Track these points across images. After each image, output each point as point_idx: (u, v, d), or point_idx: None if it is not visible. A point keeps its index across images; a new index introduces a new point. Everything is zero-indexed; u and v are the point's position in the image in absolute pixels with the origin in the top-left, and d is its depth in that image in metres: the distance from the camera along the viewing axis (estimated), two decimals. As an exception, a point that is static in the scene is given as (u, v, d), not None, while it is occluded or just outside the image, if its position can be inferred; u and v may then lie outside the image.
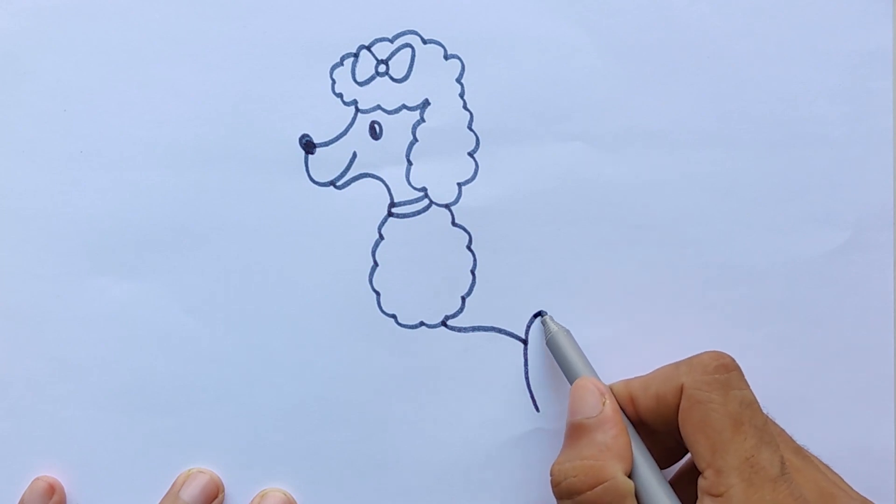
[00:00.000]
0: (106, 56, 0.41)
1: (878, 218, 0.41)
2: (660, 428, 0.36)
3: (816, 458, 0.36)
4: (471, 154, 0.41)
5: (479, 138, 0.41)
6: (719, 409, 0.33)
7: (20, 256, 0.41)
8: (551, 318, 0.40)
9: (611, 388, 0.37)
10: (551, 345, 0.40)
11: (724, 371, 0.34)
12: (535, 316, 0.41)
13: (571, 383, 0.38)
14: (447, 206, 0.41)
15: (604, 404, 0.36)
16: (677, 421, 0.34)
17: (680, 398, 0.34)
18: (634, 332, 0.41)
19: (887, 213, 0.41)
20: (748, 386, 0.34)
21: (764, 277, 0.41)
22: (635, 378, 0.37)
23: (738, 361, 0.34)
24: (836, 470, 0.37)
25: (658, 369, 0.36)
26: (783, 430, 0.37)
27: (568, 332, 0.40)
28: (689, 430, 0.33)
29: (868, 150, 0.41)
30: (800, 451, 0.36)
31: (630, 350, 0.41)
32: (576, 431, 0.36)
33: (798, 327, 0.41)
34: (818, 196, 0.41)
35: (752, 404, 0.33)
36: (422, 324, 0.41)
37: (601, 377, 0.40)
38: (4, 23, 0.42)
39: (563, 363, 0.39)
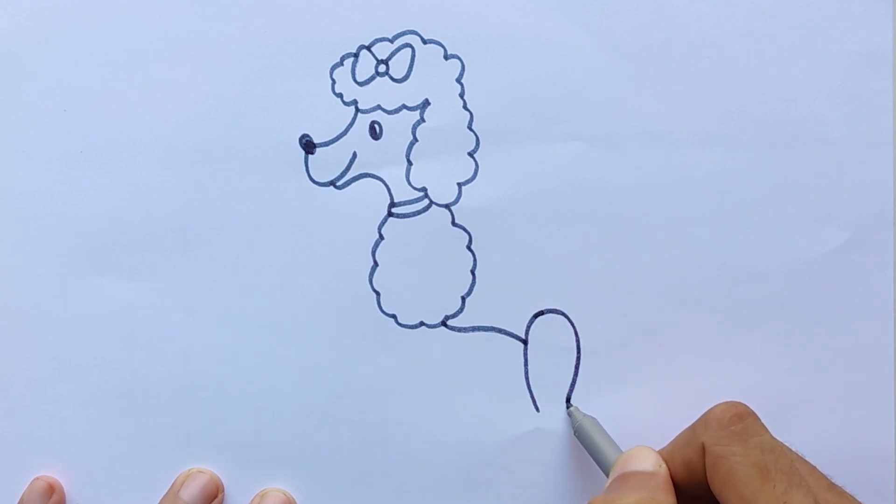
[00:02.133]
0: (106, 56, 0.41)
1: (878, 218, 0.41)
2: (698, 493, 0.35)
3: (850, 494, 0.36)
4: (471, 154, 0.41)
5: (479, 138, 0.41)
6: (742, 461, 0.32)
7: (20, 256, 0.41)
8: (577, 408, 0.40)
9: None
10: (580, 434, 0.39)
11: (740, 420, 0.33)
12: (536, 316, 0.41)
13: (606, 470, 0.38)
14: (447, 206, 0.41)
15: (660, 466, 0.35)
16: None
17: (704, 458, 0.33)
18: (634, 333, 0.41)
19: (887, 213, 0.41)
20: (767, 430, 0.33)
21: (764, 277, 0.41)
22: (659, 451, 0.36)
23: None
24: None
25: (677, 436, 0.36)
26: (814, 468, 0.36)
27: (595, 419, 0.40)
28: (718, 487, 0.33)
29: (868, 150, 0.41)
30: (833, 488, 0.35)
31: (630, 351, 0.41)
32: (626, 478, 0.35)
33: (798, 327, 0.41)
34: (818, 196, 0.41)
35: (774, 448, 0.32)
36: (422, 324, 0.41)
37: (600, 380, 0.41)
38: (4, 23, 0.42)
39: (596, 450, 0.39)
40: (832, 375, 0.41)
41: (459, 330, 0.41)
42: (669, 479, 0.35)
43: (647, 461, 0.36)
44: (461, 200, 0.41)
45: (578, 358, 0.41)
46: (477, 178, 0.41)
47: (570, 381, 0.41)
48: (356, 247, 0.41)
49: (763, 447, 0.32)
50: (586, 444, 0.39)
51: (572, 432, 0.40)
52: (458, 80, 0.41)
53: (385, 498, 0.41)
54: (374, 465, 0.41)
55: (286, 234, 0.41)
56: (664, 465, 0.35)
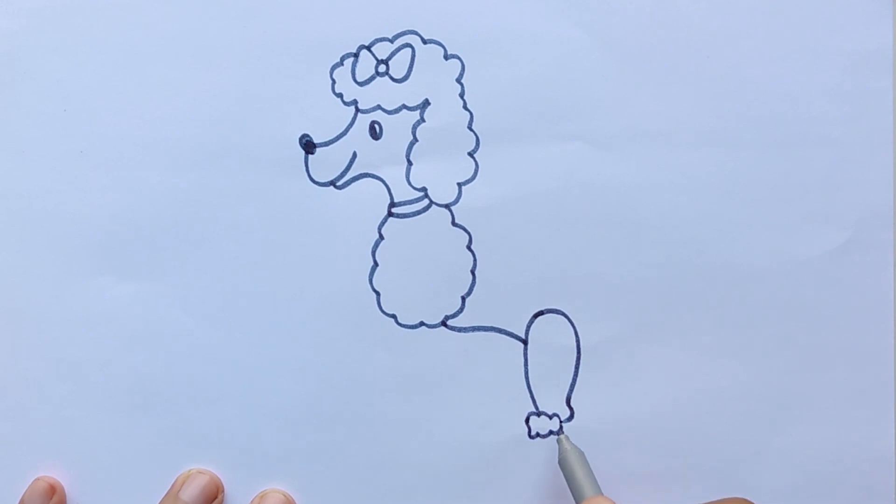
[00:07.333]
0: (106, 56, 0.41)
1: (878, 218, 0.41)
2: None
3: None
4: (471, 154, 0.41)
5: (479, 138, 0.41)
6: None
7: (20, 256, 0.41)
8: (567, 437, 0.40)
9: None
10: (563, 464, 0.39)
11: None
12: (536, 316, 0.41)
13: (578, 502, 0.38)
14: (447, 206, 0.41)
15: None
16: None
17: None
18: (634, 333, 0.41)
19: (887, 213, 0.41)
20: None
21: (764, 277, 0.41)
22: None
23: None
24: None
25: None
26: None
27: (581, 452, 0.39)
28: None
29: (868, 150, 0.41)
30: None
31: (630, 350, 0.41)
32: None
33: (798, 327, 0.41)
34: (818, 196, 0.41)
35: None
36: (422, 324, 0.41)
37: (600, 380, 0.41)
38: (4, 23, 0.42)
39: (574, 484, 0.38)
40: (832, 375, 0.41)
41: (459, 330, 0.41)
42: None
43: None
44: (461, 200, 0.41)
45: (578, 358, 0.41)
46: (477, 178, 0.41)
47: (570, 381, 0.41)
48: (356, 247, 0.41)
49: None
50: (566, 476, 0.39)
51: (556, 460, 0.40)
52: (458, 80, 0.41)
53: (385, 498, 0.41)
54: (374, 465, 0.41)
55: (286, 234, 0.41)
56: None
